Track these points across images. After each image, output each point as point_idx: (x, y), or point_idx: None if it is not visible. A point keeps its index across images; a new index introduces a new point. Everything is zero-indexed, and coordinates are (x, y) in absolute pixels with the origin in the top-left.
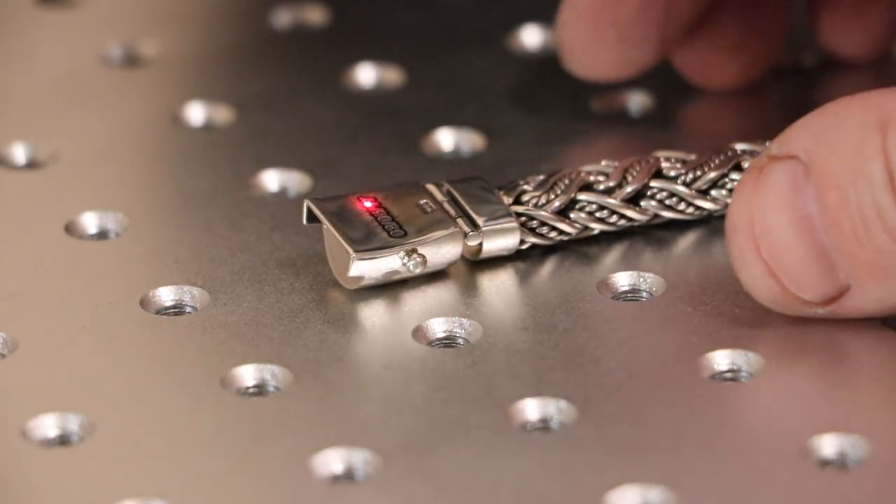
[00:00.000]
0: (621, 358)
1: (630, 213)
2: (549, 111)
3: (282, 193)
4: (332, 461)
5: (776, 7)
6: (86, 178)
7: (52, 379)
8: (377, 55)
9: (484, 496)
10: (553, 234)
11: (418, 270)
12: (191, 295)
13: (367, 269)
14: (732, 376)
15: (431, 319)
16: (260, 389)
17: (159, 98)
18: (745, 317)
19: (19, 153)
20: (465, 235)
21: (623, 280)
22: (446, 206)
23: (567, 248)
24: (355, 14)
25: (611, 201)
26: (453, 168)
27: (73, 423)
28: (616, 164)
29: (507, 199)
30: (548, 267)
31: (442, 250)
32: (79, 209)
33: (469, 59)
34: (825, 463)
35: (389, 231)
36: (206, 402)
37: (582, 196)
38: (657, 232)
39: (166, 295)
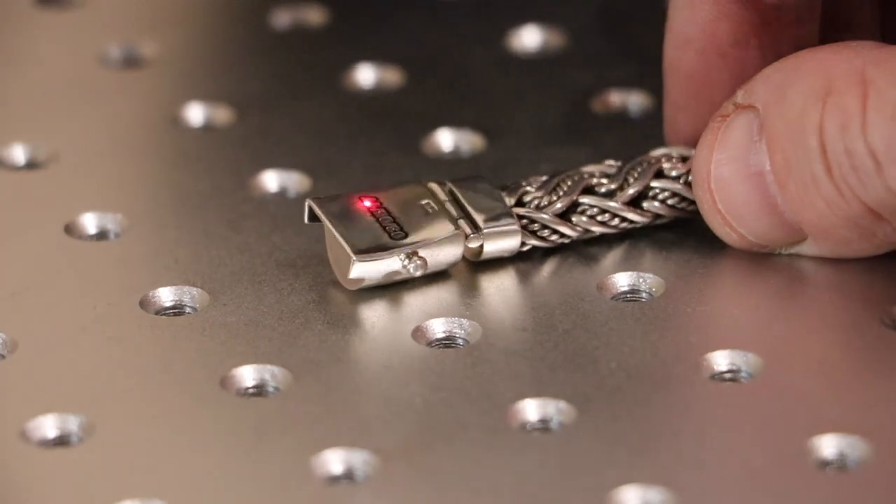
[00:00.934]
0: (621, 358)
1: (632, 215)
2: (549, 111)
3: (282, 194)
4: (331, 461)
5: None
6: (86, 178)
7: (52, 379)
8: (377, 55)
9: (484, 496)
10: (554, 236)
11: (419, 273)
12: (190, 295)
13: (368, 271)
14: (732, 377)
15: (431, 320)
16: (259, 390)
17: (159, 98)
18: (744, 317)
19: (19, 153)
20: (466, 237)
21: (623, 280)
22: (448, 206)
23: (567, 249)
24: (355, 14)
25: (612, 205)
26: (453, 168)
27: (73, 424)
28: (618, 164)
29: (510, 200)
30: (548, 267)
31: (443, 252)
32: (79, 209)
33: (469, 59)
34: (825, 463)
35: (390, 232)
36: (205, 403)
37: (584, 199)
38: (657, 232)
39: (166, 295)
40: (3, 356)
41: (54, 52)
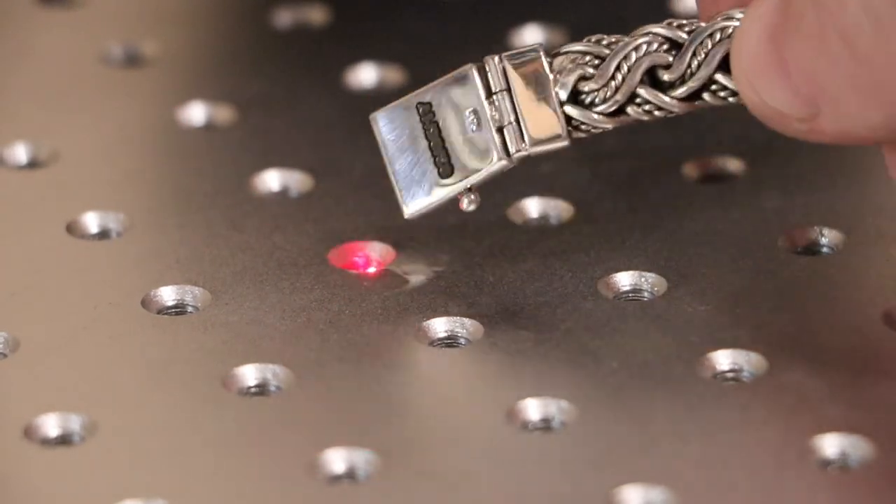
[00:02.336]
0: (623, 358)
1: (687, 109)
2: None
3: (283, 193)
4: (333, 461)
5: None
6: (87, 178)
7: (54, 379)
8: (377, 55)
9: (485, 496)
10: (600, 131)
11: (472, 208)
12: (192, 295)
13: (420, 212)
14: (734, 376)
15: (433, 319)
16: (261, 389)
17: (159, 98)
18: (746, 316)
19: (21, 152)
20: (509, 156)
21: (624, 280)
22: (496, 111)
23: (568, 248)
24: (355, 14)
25: (668, 101)
26: None
27: (75, 423)
28: (685, 30)
29: (563, 93)
30: (549, 267)
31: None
32: (80, 209)
33: (469, 59)
34: (827, 463)
35: (440, 168)
36: (207, 402)
37: (641, 91)
38: (658, 231)
39: (167, 295)
40: (4, 355)
41: (56, 50)
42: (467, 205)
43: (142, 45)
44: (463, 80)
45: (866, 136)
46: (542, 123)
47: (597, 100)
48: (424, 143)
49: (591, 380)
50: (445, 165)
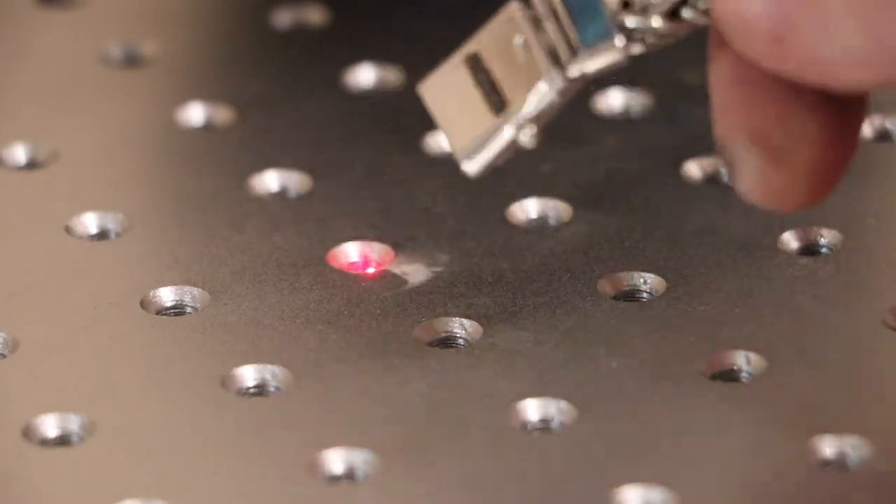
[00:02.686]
0: (622, 358)
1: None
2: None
3: (282, 193)
4: (332, 461)
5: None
6: (86, 178)
7: (53, 379)
8: (377, 55)
9: (485, 497)
10: (661, 40)
11: (531, 143)
12: (191, 295)
13: (481, 165)
14: (733, 376)
15: (432, 319)
16: (260, 390)
17: (159, 98)
18: (745, 317)
19: (20, 153)
20: (566, 78)
21: (624, 280)
22: (544, 33)
23: (567, 249)
24: (355, 14)
25: None
26: (455, 168)
27: (74, 424)
28: None
29: (609, 3)
30: (548, 267)
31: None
32: (79, 209)
33: None
34: (826, 463)
35: (493, 104)
36: (206, 403)
37: None
38: (658, 231)
39: (167, 295)
40: (4, 356)
41: (55, 51)
42: (527, 139)
43: (141, 45)
44: (508, 18)
45: (836, 69)
46: (595, 36)
47: (649, 5)
48: (477, 93)
49: (591, 380)
50: (498, 103)
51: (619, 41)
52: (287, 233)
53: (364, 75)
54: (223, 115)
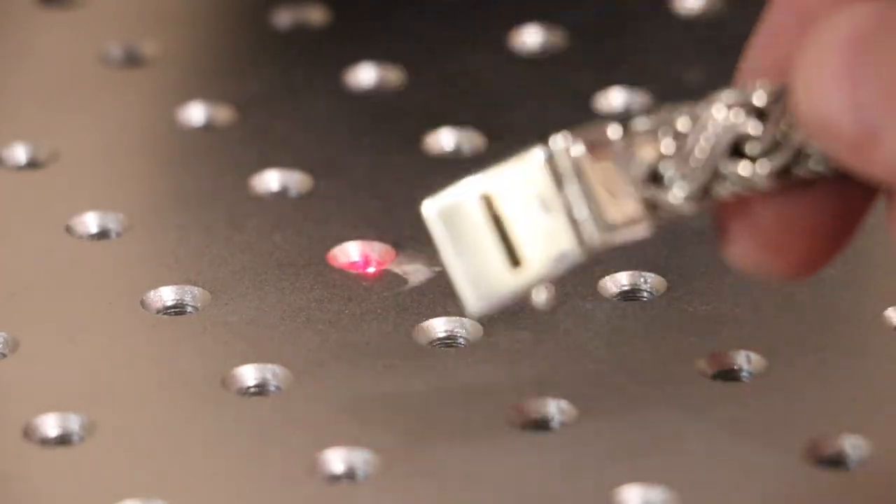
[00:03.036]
0: (622, 358)
1: (775, 184)
2: (550, 111)
3: (283, 193)
4: (332, 460)
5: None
6: (86, 178)
7: (53, 379)
8: (377, 55)
9: (484, 496)
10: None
11: (548, 303)
12: (192, 295)
13: (489, 309)
14: (734, 376)
15: (432, 319)
16: (261, 389)
17: (159, 98)
18: (745, 317)
19: (20, 152)
20: (586, 251)
21: (624, 280)
22: (567, 199)
23: None
24: (355, 14)
25: (758, 181)
26: (455, 168)
27: (74, 423)
28: (769, 92)
29: (640, 175)
30: None
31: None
32: (79, 209)
33: (469, 59)
34: (826, 463)
35: (507, 254)
36: (207, 402)
37: (727, 169)
38: (658, 232)
39: (167, 295)
40: (4, 355)
41: (55, 50)
42: (543, 301)
43: (141, 44)
44: (529, 166)
45: None
46: (620, 211)
47: (677, 180)
48: (488, 235)
49: (591, 380)
50: (512, 256)
51: (647, 228)
52: (287, 232)
53: (365, 75)
54: (223, 114)
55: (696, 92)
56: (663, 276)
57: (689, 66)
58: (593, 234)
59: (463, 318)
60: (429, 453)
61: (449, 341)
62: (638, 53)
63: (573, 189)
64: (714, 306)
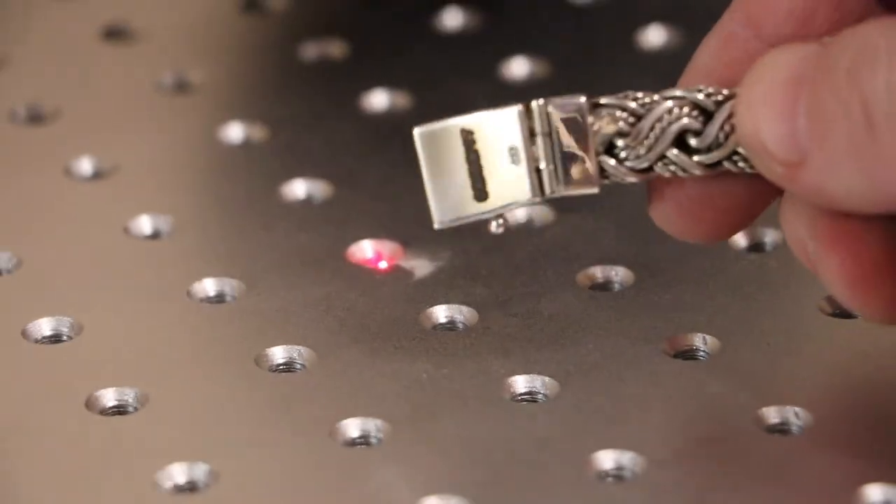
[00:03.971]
0: (597, 340)
1: (706, 172)
2: None
3: (308, 200)
4: (350, 428)
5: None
6: (141, 188)
7: (112, 357)
8: (389, 83)
9: (480, 458)
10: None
11: (500, 231)
12: (230, 286)
13: (450, 225)
14: (692, 355)
15: (435, 307)
16: (288, 367)
17: (204, 119)
18: (702, 305)
19: (86, 166)
20: (543, 196)
21: (598, 273)
22: (536, 149)
23: (550, 247)
24: (370, 48)
25: (694, 167)
26: None
27: (130, 396)
28: (712, 99)
29: (600, 145)
30: (534, 262)
31: (521, 208)
32: (135, 213)
33: (466, 86)
34: (772, 429)
35: (476, 192)
36: (242, 378)
37: (671, 153)
38: (628, 231)
39: (209, 286)
40: (71, 338)
41: (116, 79)
42: (495, 228)
43: (189, 74)
44: (507, 117)
45: (839, 199)
46: (578, 170)
47: (629, 155)
48: (464, 165)
49: (570, 359)
50: (481, 191)
51: (597, 187)
52: (311, 233)
53: (378, 99)
54: (258, 133)
55: None
56: (632, 269)
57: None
58: (553, 185)
59: (461, 306)
60: (432, 421)
61: (449, 326)
62: (607, 80)
63: (542, 143)
64: (675, 296)
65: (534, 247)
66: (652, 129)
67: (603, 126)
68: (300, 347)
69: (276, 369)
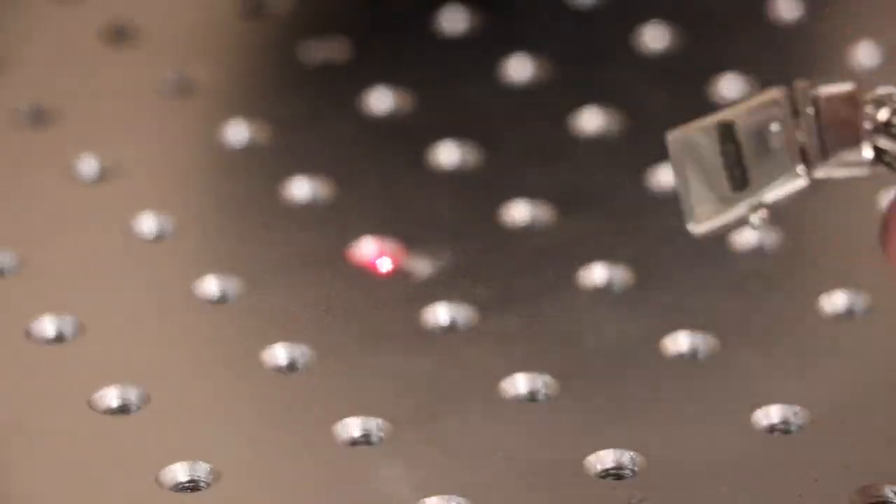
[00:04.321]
0: (598, 340)
1: None
2: (536, 131)
3: (310, 201)
4: (351, 427)
5: None
6: (143, 188)
7: (115, 357)
8: (390, 83)
9: (480, 457)
10: None
11: (760, 224)
12: (232, 285)
13: (711, 229)
14: (691, 355)
15: (436, 307)
16: (291, 366)
17: (205, 119)
18: (701, 305)
19: (88, 166)
20: (809, 175)
21: (599, 273)
22: (799, 131)
23: (551, 247)
24: (371, 48)
25: None
26: (455, 178)
27: (132, 395)
28: None
29: (873, 123)
30: (535, 262)
31: (786, 195)
32: (137, 214)
33: (467, 87)
34: (771, 429)
35: (734, 178)
36: (244, 378)
37: None
38: (628, 233)
39: (212, 285)
40: (72, 337)
41: (118, 80)
42: (757, 221)
43: (191, 74)
44: (770, 101)
45: None
46: (849, 148)
47: None
48: (721, 160)
49: (571, 358)
50: (739, 180)
51: (869, 165)
52: (312, 234)
53: (379, 101)
54: (259, 133)
55: (661, 114)
56: (633, 270)
57: (652, 90)
58: (819, 164)
59: (462, 305)
60: (433, 421)
61: (449, 326)
62: (607, 80)
63: (808, 121)
64: (674, 297)
65: (534, 247)
66: None
67: (877, 105)
68: (303, 347)
69: (279, 369)
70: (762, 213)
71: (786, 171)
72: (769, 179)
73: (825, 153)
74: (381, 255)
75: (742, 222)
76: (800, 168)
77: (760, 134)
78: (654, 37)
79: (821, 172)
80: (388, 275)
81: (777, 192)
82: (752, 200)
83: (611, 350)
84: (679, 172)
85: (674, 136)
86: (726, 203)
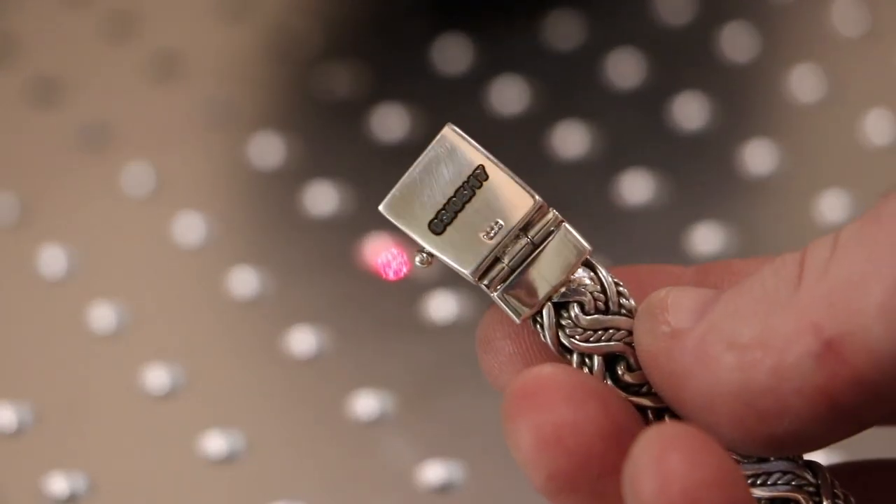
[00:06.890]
0: None
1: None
2: (521, 153)
3: (333, 212)
4: (365, 405)
5: None
6: (187, 204)
7: (162, 349)
8: (404, 100)
9: (477, 431)
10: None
11: (422, 266)
12: (265, 285)
13: (389, 218)
14: None
15: (440, 303)
16: (314, 354)
17: (234, 132)
18: None
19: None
20: (478, 283)
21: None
22: (511, 248)
23: None
24: (376, 80)
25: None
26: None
27: (180, 376)
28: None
29: (557, 298)
30: None
31: (451, 268)
32: (178, 219)
33: (463, 111)
34: None
35: (440, 217)
36: (270, 366)
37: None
38: (630, 224)
39: (246, 285)
40: (116, 336)
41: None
42: (419, 262)
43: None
44: (521, 198)
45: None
46: (525, 295)
47: (569, 329)
48: (450, 191)
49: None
50: (440, 222)
51: (530, 319)
52: (332, 242)
53: (390, 121)
54: (280, 150)
55: (633, 130)
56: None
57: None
58: (494, 284)
59: (463, 303)
60: (435, 400)
61: (451, 320)
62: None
63: (523, 247)
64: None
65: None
66: (605, 331)
67: (575, 287)
68: (323, 335)
69: (301, 356)
70: (426, 260)
71: (470, 259)
72: (455, 247)
73: (504, 282)
74: (389, 263)
75: (410, 243)
76: (477, 271)
77: (488, 213)
78: (630, 70)
79: (488, 291)
80: (398, 275)
81: (449, 260)
82: (430, 245)
83: None
84: (421, 162)
85: (448, 134)
86: (413, 222)
